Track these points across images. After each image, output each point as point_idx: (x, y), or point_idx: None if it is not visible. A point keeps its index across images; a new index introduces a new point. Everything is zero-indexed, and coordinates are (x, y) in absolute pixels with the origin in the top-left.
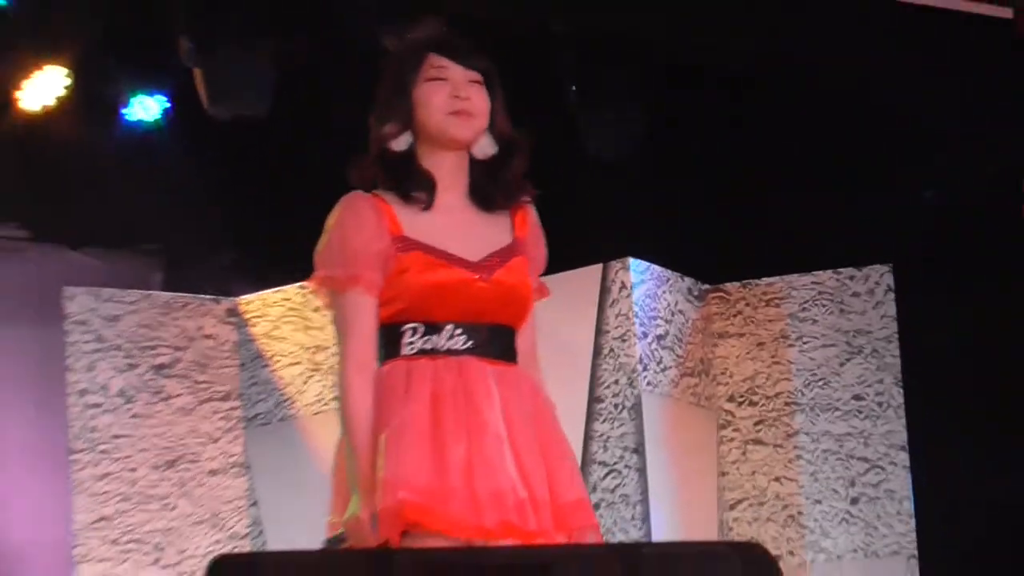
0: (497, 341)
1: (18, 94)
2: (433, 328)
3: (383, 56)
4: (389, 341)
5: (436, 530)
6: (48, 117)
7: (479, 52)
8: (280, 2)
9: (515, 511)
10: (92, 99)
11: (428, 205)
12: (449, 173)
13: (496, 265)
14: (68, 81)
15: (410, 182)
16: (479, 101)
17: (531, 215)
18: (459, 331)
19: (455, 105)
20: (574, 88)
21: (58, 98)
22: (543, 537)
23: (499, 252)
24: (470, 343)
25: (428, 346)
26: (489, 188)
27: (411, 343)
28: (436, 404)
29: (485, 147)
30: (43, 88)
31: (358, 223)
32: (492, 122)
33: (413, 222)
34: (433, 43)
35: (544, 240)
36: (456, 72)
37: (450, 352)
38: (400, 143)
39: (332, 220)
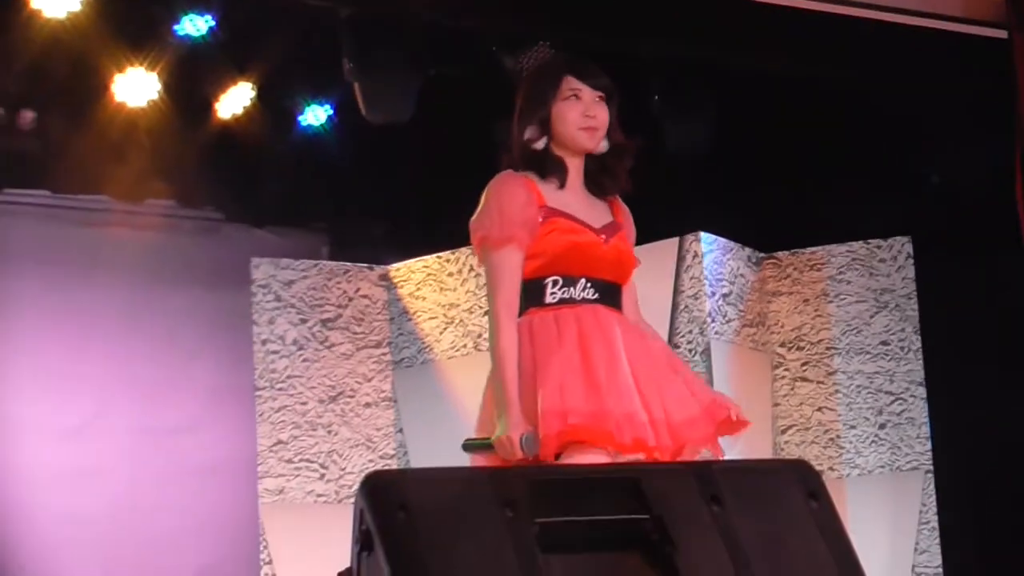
0: (613, 294)
1: (216, 104)
2: (570, 281)
3: (503, 71)
4: (532, 293)
5: (597, 445)
6: (238, 123)
7: (602, 73)
8: (418, 34)
9: (642, 430)
10: (273, 108)
11: (562, 184)
12: (573, 165)
13: (611, 234)
14: (254, 94)
15: (548, 167)
16: (603, 117)
17: (623, 204)
18: (590, 284)
19: (586, 122)
20: (656, 99)
21: (246, 107)
22: (660, 452)
23: (610, 225)
24: (597, 294)
25: (567, 296)
26: (601, 178)
27: (554, 293)
28: (583, 342)
29: (601, 147)
30: (235, 99)
31: (512, 192)
32: (609, 129)
33: (552, 196)
34: (568, 66)
35: (633, 223)
36: (586, 92)
37: (584, 301)
38: (539, 144)
39: (488, 192)
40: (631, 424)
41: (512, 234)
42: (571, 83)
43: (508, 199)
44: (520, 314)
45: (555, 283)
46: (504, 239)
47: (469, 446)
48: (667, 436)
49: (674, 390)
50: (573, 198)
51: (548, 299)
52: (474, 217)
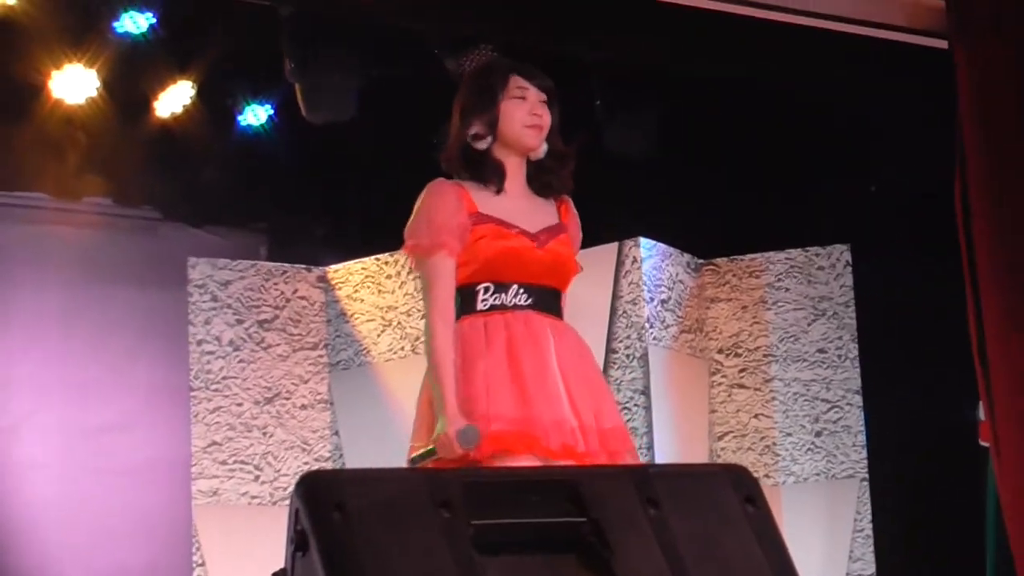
0: (549, 299)
1: (155, 103)
2: (501, 287)
3: (445, 73)
4: (465, 300)
5: (523, 452)
6: (177, 121)
7: (546, 76)
8: (360, 35)
9: (570, 436)
10: (213, 107)
11: (499, 190)
12: (513, 167)
13: (549, 238)
14: (194, 92)
15: (486, 171)
16: (547, 117)
17: (571, 206)
18: (522, 290)
19: (532, 120)
20: (598, 103)
21: (185, 106)
22: (591, 457)
23: (550, 228)
24: (531, 300)
25: (498, 302)
26: (547, 178)
27: (485, 299)
28: (511, 349)
29: (540, 151)
30: (175, 98)
31: (442, 201)
32: (549, 133)
33: (486, 202)
34: (515, 67)
35: (579, 225)
36: (532, 93)
37: (516, 307)
38: (482, 144)
39: (420, 201)
40: (559, 430)
41: (442, 241)
42: (518, 82)
43: (437, 207)
44: (456, 320)
45: (486, 290)
46: (434, 247)
47: (416, 460)
48: (596, 442)
49: (606, 397)
50: (511, 202)
51: (480, 306)
52: (407, 225)
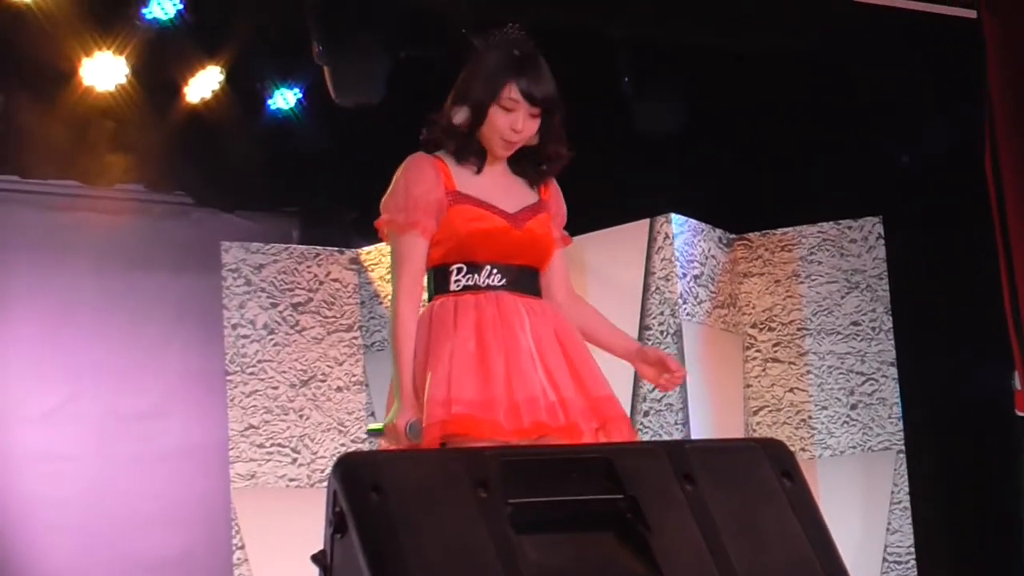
0: (525, 279)
1: (185, 88)
2: (475, 267)
3: (474, 53)
4: (438, 280)
5: (484, 437)
6: (207, 107)
7: (549, 83)
8: (388, 16)
9: (546, 412)
10: (242, 92)
11: (479, 169)
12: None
13: (527, 218)
14: (223, 77)
15: (469, 152)
16: (528, 132)
17: (555, 184)
18: (495, 270)
19: (509, 136)
20: (626, 80)
21: (214, 91)
22: (572, 431)
23: (529, 208)
24: (504, 280)
25: (471, 283)
26: (527, 171)
27: (457, 280)
28: (479, 330)
29: (530, 140)
30: (204, 83)
31: (419, 177)
32: (545, 134)
33: (464, 180)
34: (516, 70)
35: (563, 200)
36: (523, 106)
37: (489, 288)
38: (466, 128)
39: (398, 174)
40: (532, 407)
41: (416, 220)
42: (512, 91)
43: (415, 183)
44: (429, 299)
45: (459, 270)
46: (408, 224)
47: (371, 432)
48: (581, 414)
49: (591, 370)
50: (490, 181)
51: (452, 286)
52: (384, 198)
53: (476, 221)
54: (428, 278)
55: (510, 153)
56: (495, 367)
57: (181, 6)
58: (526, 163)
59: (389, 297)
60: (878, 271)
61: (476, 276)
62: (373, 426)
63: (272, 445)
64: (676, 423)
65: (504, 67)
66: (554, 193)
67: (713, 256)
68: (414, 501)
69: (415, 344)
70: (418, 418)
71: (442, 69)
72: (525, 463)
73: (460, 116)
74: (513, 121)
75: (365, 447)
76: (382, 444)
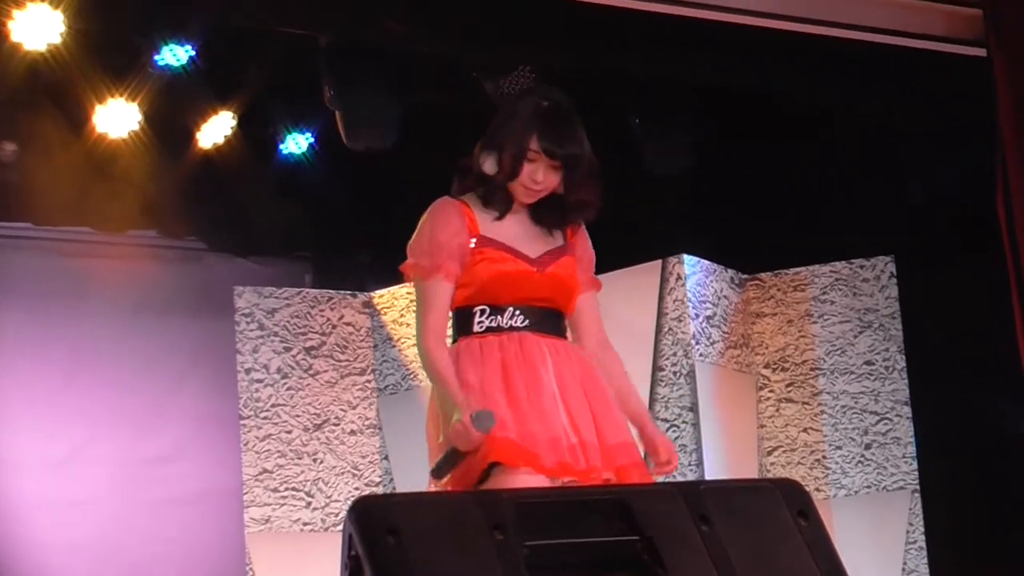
0: (549, 320)
1: (197, 134)
2: (498, 309)
3: (484, 96)
4: (461, 322)
5: (522, 465)
6: (220, 152)
7: (571, 137)
8: (399, 61)
9: (568, 453)
10: (254, 137)
11: (503, 214)
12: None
13: (550, 261)
14: (235, 123)
15: (495, 198)
16: (550, 183)
17: (581, 226)
18: (518, 312)
19: (531, 185)
20: (637, 121)
21: (227, 136)
22: (592, 474)
23: (553, 251)
24: (527, 321)
25: (494, 324)
26: (547, 219)
27: (480, 321)
28: (505, 369)
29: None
30: (216, 129)
31: (445, 222)
32: (570, 184)
33: (489, 225)
34: (539, 123)
35: (590, 244)
36: (543, 160)
37: (512, 328)
38: (499, 178)
39: (424, 219)
40: (554, 448)
41: (440, 264)
42: (532, 145)
43: (440, 228)
44: (453, 343)
45: (482, 311)
46: (433, 269)
47: (439, 468)
48: (599, 458)
49: (610, 414)
50: (514, 226)
51: (476, 328)
52: (410, 242)
53: (499, 264)
54: (452, 320)
55: (533, 201)
56: (522, 404)
57: (193, 53)
58: (551, 209)
59: (402, 340)
60: (891, 310)
61: (499, 317)
62: (438, 460)
63: (286, 489)
64: (690, 464)
65: (529, 119)
66: (581, 237)
67: (725, 296)
68: (430, 544)
69: None
70: (483, 409)
71: (451, 113)
72: (541, 505)
73: (488, 164)
74: (533, 172)
75: (379, 490)
76: (432, 484)
